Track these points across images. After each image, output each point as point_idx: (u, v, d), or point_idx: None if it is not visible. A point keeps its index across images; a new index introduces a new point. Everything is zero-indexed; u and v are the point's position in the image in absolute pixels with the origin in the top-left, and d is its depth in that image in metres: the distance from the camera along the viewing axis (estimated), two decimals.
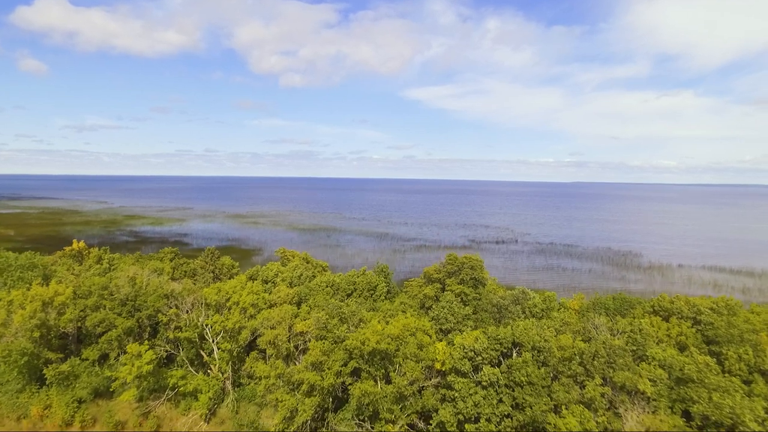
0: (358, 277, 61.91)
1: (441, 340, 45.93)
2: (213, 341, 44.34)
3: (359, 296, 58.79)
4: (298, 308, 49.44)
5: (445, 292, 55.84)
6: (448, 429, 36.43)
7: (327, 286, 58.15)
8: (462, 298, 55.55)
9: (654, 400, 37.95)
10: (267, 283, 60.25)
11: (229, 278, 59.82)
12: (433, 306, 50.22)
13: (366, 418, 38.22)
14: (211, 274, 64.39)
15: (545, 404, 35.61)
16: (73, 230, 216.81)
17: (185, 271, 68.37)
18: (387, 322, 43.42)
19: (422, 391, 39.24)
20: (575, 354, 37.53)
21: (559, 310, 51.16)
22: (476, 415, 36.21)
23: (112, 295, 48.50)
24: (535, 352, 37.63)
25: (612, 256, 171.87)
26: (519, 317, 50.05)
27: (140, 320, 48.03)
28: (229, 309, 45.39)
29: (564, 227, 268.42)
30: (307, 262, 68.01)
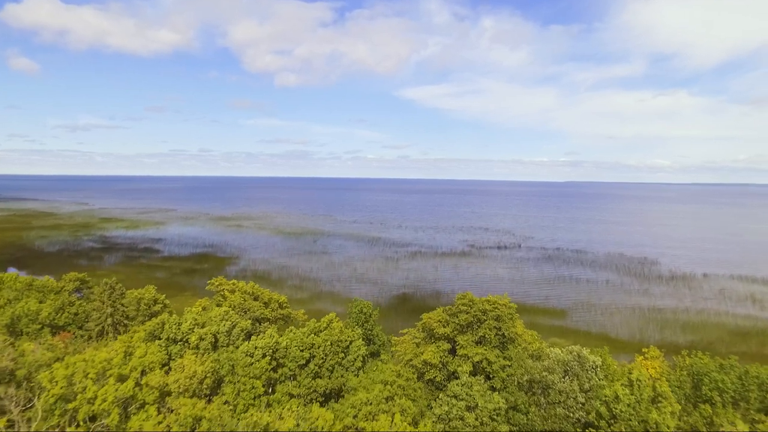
0: (316, 334, 39.75)
1: None
2: None
3: (319, 366, 38.21)
4: (209, 401, 31.29)
5: (456, 357, 37.10)
6: None
7: (265, 355, 37.27)
8: (483, 368, 37.41)
9: None
10: (177, 343, 38.84)
11: (150, 318, 41.91)
12: (440, 392, 31.16)
13: None
14: (110, 319, 44.95)
15: None
16: (38, 235, 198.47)
17: (74, 315, 48.81)
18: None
19: None
20: None
21: (657, 400, 32.09)
22: None
23: None
24: None
25: (627, 263, 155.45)
26: (577, 404, 31.48)
27: None
28: (74, 417, 27.23)
29: (569, 230, 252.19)
30: (255, 299, 44.86)
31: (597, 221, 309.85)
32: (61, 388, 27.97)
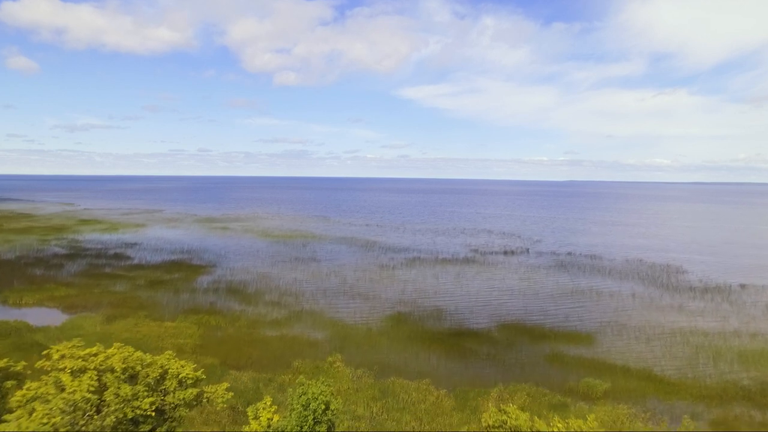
0: None
1: None
2: None
3: None
4: None
5: None
6: None
7: None
8: None
9: None
10: None
11: None
12: None
13: None
14: None
15: None
16: (3, 239, 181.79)
17: None
18: None
19: None
20: None
21: None
22: None
23: None
24: None
25: (650, 271, 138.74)
26: None
27: None
28: None
29: (578, 232, 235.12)
30: (131, 378, 24.29)
31: (606, 222, 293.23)
32: None
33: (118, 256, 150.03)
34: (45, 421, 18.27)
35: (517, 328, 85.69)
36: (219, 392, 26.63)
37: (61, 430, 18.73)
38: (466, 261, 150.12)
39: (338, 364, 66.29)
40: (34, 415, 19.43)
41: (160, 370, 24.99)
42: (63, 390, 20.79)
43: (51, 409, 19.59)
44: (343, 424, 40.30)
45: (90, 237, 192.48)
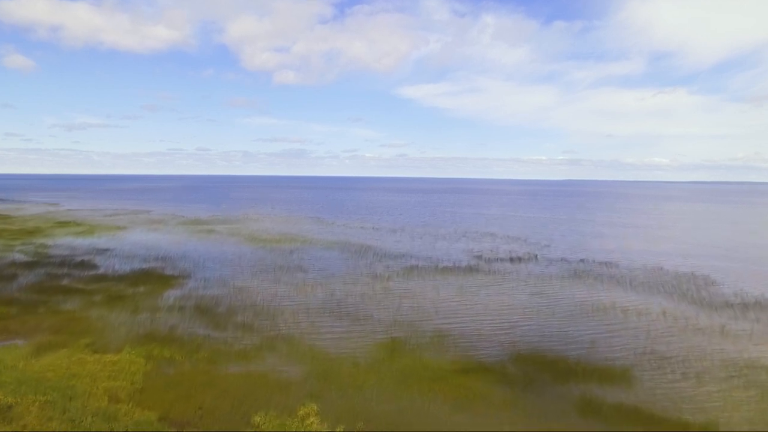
0: None
1: None
2: None
3: None
4: None
5: None
6: None
7: None
8: None
9: None
10: None
11: None
12: None
13: None
14: None
15: None
16: None
17: None
18: None
19: None
20: None
21: None
22: None
23: None
24: None
25: (674, 281, 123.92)
26: None
27: None
28: None
29: (588, 235, 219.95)
30: None
31: (615, 224, 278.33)
32: None
33: (82, 265, 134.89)
34: None
35: (535, 360, 70.80)
36: None
37: None
38: (470, 270, 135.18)
39: (312, 419, 51.30)
40: None
41: None
42: None
43: None
44: None
45: (61, 241, 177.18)
